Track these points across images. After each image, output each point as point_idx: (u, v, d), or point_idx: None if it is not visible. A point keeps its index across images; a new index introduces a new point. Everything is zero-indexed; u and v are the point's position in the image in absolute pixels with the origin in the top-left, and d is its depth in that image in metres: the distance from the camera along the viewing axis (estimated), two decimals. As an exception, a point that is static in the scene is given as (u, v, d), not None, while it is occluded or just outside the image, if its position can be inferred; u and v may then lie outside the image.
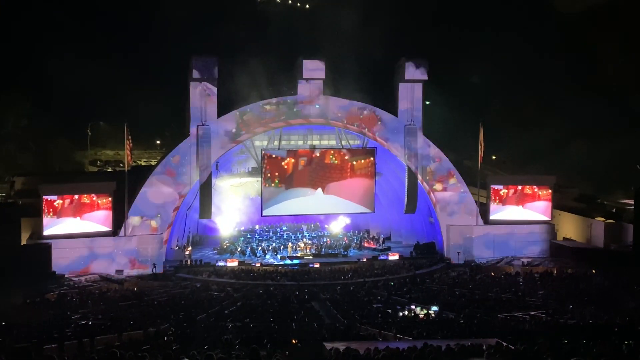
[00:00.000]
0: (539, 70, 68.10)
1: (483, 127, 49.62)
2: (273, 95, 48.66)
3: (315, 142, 51.35)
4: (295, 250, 49.30)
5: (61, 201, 44.02)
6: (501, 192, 51.22)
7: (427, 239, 52.24)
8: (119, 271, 44.62)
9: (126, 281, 42.16)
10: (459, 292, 36.98)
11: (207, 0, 74.20)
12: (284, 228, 53.53)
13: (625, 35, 62.28)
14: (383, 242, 52.66)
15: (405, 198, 50.59)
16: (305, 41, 62.40)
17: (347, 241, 52.09)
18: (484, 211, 51.22)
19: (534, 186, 51.25)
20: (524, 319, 28.18)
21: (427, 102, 51.18)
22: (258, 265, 46.36)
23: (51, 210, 43.81)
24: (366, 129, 49.82)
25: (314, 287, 39.70)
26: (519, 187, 51.30)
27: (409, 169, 49.75)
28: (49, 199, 43.69)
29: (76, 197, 44.55)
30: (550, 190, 51.25)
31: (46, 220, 43.59)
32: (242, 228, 53.08)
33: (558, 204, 52.36)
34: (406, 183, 50.25)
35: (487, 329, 25.17)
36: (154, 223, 46.03)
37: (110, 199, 45.35)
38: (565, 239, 51.58)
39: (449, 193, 50.54)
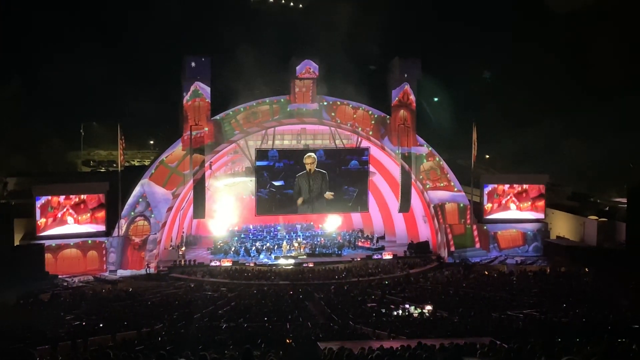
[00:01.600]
0: (533, 69, 68.20)
1: (476, 127, 49.76)
2: (266, 95, 48.68)
3: (309, 142, 51.42)
4: (290, 249, 49.31)
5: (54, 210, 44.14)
6: (495, 195, 51.41)
7: (420, 238, 52.33)
8: (113, 271, 44.60)
9: (120, 281, 42.13)
10: (453, 291, 36.98)
11: (201, 0, 74.11)
12: (278, 228, 53.53)
13: (620, 34, 62.43)
14: (377, 242, 52.72)
15: (399, 197, 50.72)
16: (299, 40, 62.35)
17: (341, 240, 52.14)
18: (477, 210, 51.37)
19: (527, 186, 51.54)
20: (517, 318, 28.18)
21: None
22: (252, 265, 46.36)
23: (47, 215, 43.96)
24: (360, 129, 49.87)
25: (308, 286, 39.67)
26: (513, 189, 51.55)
27: (402, 168, 49.82)
28: (41, 204, 43.72)
29: (67, 206, 44.58)
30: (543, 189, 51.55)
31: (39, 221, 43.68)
32: (236, 228, 53.08)
33: (551, 203, 52.53)
34: (400, 182, 50.34)
35: (480, 327, 25.15)
36: (147, 223, 45.98)
37: (103, 199, 45.34)
38: (558, 237, 51.72)
39: (442, 192, 50.65)
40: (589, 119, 61.49)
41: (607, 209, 51.71)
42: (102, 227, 45.45)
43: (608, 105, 62.01)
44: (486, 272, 44.14)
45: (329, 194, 50.94)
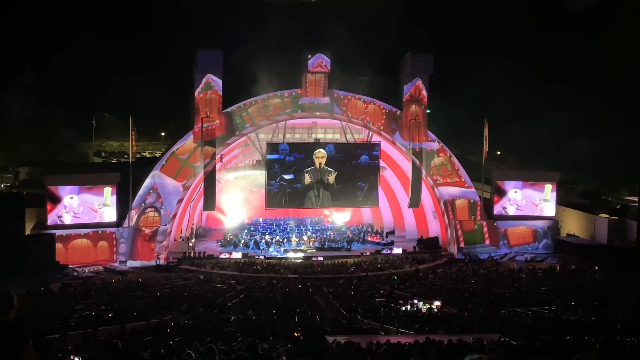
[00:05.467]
0: (543, 65, 67.89)
1: (488, 123, 49.60)
2: (278, 89, 48.67)
3: (320, 136, 51.38)
4: (299, 243, 49.36)
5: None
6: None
7: (430, 233, 52.26)
8: (123, 262, 44.78)
9: (129, 272, 42.26)
10: (462, 287, 36.95)
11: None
12: (288, 221, 53.57)
13: (631, 29, 62.00)
14: (386, 236, 52.65)
15: (409, 192, 50.64)
16: (311, 34, 62.30)
17: (350, 235, 52.13)
18: (488, 206, 51.21)
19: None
20: (526, 315, 28.14)
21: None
22: (261, 258, 46.43)
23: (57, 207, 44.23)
24: (371, 123, 49.79)
25: (316, 280, 39.72)
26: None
27: (413, 163, 49.74)
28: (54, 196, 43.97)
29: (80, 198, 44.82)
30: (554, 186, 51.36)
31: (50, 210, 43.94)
32: (246, 220, 53.17)
33: (562, 200, 52.30)
34: (410, 177, 50.26)
35: (489, 324, 25.13)
36: (157, 215, 46.12)
37: (114, 190, 45.48)
38: (569, 235, 51.52)
39: (453, 188, 50.52)
40: (601, 116, 61.21)
41: (618, 207, 51.48)
42: (112, 218, 45.59)
43: (621, 101, 61.69)
44: (495, 269, 44.02)
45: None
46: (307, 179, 50.27)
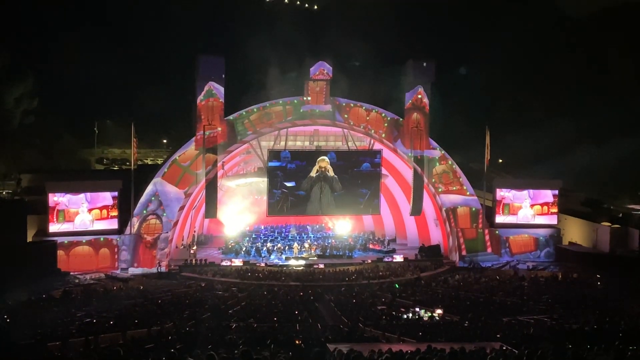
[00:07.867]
0: (546, 72, 67.93)
1: (489, 130, 49.60)
2: (280, 96, 48.69)
3: (322, 144, 51.40)
4: (301, 250, 49.30)
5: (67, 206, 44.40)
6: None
7: (432, 241, 52.20)
8: (124, 269, 44.77)
9: (131, 279, 42.22)
10: (464, 295, 36.89)
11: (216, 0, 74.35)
12: (290, 229, 53.54)
13: (634, 36, 62.09)
14: (388, 244, 52.58)
15: (411, 200, 50.62)
16: (313, 42, 62.47)
17: (352, 242, 52.09)
18: (489, 214, 51.16)
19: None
20: (528, 323, 28.08)
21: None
22: (263, 265, 46.37)
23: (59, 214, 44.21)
24: (372, 131, 49.81)
25: (318, 288, 39.65)
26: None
27: (415, 171, 49.74)
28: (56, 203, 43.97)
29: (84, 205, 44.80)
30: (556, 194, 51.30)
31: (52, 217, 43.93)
32: (248, 228, 53.14)
33: (564, 208, 52.23)
34: (412, 185, 50.25)
35: (491, 332, 25.09)
36: (159, 222, 46.10)
37: (116, 197, 45.48)
38: (571, 243, 51.43)
39: (454, 196, 50.48)
40: (603, 124, 61.22)
41: (620, 215, 51.40)
42: (114, 225, 45.55)
43: (623, 109, 61.70)
44: (497, 277, 43.94)
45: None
46: (310, 185, 50.28)
